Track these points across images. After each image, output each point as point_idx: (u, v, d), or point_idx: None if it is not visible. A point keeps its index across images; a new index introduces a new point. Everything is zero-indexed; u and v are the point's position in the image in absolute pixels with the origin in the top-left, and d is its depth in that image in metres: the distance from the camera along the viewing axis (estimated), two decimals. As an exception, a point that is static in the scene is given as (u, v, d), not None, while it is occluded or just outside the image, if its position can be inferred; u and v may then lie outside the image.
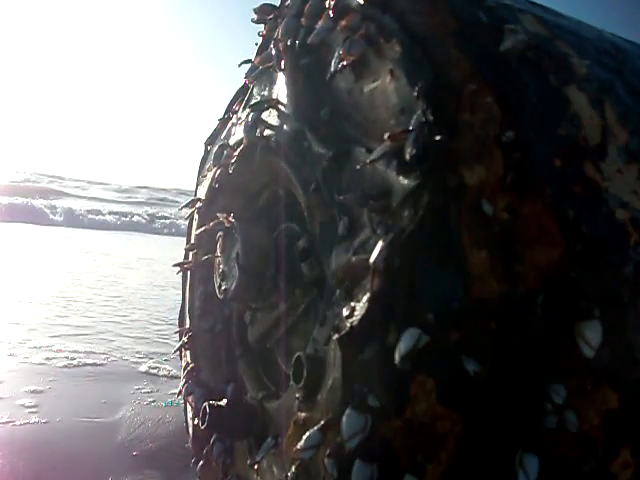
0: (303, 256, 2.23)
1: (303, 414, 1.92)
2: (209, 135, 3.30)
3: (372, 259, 1.60)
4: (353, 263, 1.76)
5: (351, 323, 1.69)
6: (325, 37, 2.05)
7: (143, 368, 5.03)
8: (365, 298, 1.66)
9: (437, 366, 1.55)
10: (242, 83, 2.95)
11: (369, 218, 1.75)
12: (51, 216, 20.79)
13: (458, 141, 1.58)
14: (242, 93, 2.95)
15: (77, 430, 3.70)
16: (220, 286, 2.51)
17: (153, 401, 4.27)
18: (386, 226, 1.68)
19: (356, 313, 1.68)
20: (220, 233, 2.54)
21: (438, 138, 1.56)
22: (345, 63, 1.91)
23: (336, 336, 1.74)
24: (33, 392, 4.10)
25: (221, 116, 3.18)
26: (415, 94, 1.65)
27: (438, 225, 1.57)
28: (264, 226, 2.50)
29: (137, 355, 5.35)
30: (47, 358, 4.93)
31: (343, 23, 1.90)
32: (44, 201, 23.23)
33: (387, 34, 1.82)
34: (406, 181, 1.62)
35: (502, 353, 1.52)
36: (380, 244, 1.60)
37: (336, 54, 1.98)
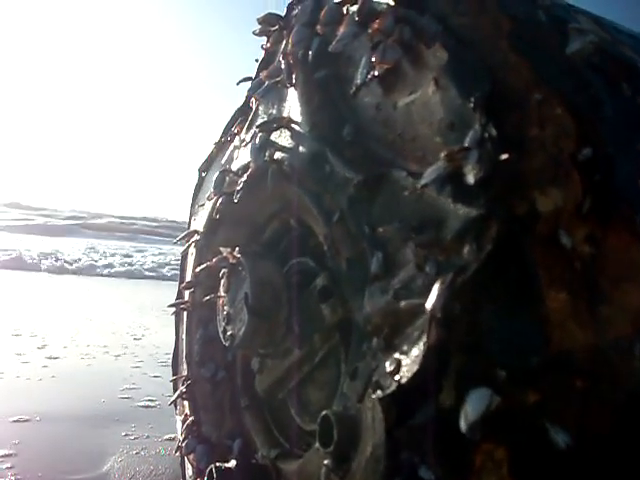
0: (323, 296, 1.95)
1: (334, 485, 1.64)
2: (203, 161, 3.02)
3: (429, 305, 1.32)
4: (395, 308, 1.48)
5: (399, 381, 1.40)
6: (348, 44, 1.78)
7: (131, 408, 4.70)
8: (416, 351, 1.38)
9: (511, 433, 1.27)
10: (242, 102, 2.69)
11: (414, 253, 1.47)
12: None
13: (527, 160, 1.32)
14: (242, 113, 2.68)
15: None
16: (225, 331, 2.22)
17: (144, 448, 3.93)
18: (437, 264, 1.40)
19: (404, 369, 1.40)
20: (224, 270, 2.25)
21: (505, 157, 1.29)
22: (377, 73, 1.64)
23: (378, 395, 1.46)
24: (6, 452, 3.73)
25: (217, 139, 2.90)
26: (471, 105, 1.38)
27: (508, 262, 1.29)
28: (274, 261, 2.21)
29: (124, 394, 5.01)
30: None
31: (375, 26, 1.63)
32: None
33: (428, 38, 1.55)
34: (465, 209, 1.35)
35: (593, 417, 1.25)
36: (437, 286, 1.32)
37: (362, 64, 1.72)
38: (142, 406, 4.71)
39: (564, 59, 1.44)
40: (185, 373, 2.74)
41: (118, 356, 6.37)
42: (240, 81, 2.74)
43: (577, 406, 1.25)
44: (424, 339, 1.34)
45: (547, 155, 1.32)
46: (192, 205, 3.07)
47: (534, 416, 1.25)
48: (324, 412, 1.69)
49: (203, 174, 3.04)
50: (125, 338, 7.45)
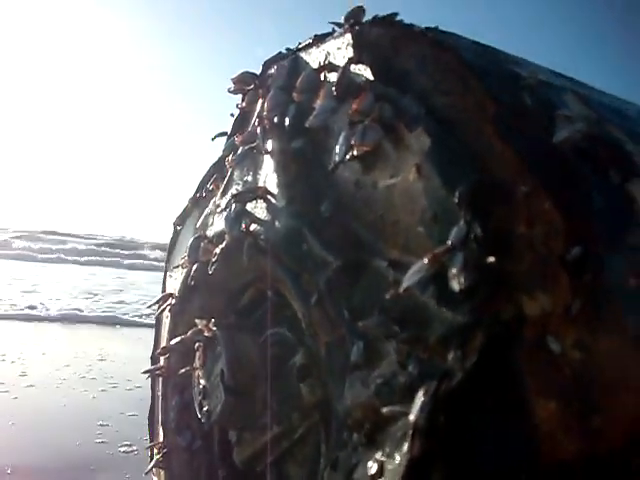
0: (302, 375, 1.88)
1: None
2: (178, 215, 2.95)
3: (412, 416, 1.25)
4: (375, 406, 1.41)
5: (382, 489, 1.33)
6: (327, 119, 1.71)
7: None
8: (399, 457, 1.31)
9: None
10: (217, 159, 2.63)
11: (396, 350, 1.41)
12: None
13: (514, 262, 1.25)
14: (217, 169, 2.61)
15: None
16: (201, 405, 2.14)
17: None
18: (420, 362, 1.34)
19: (388, 475, 1.33)
20: (199, 344, 2.17)
21: (492, 260, 1.23)
22: (356, 153, 1.58)
23: None
24: None
25: (192, 195, 2.83)
26: (455, 200, 1.32)
27: (495, 372, 1.23)
28: (250, 334, 2.14)
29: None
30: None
31: (354, 107, 1.56)
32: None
33: (410, 120, 1.49)
34: (450, 315, 1.28)
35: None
36: (421, 397, 1.25)
37: (340, 140, 1.65)
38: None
39: (551, 147, 1.39)
40: (161, 440, 2.65)
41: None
42: (215, 136, 2.68)
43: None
44: (407, 447, 1.28)
45: (535, 256, 1.25)
46: (167, 260, 2.99)
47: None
48: None
49: (178, 228, 2.97)
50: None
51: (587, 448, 1.20)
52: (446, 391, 1.23)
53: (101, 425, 5.12)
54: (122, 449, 4.62)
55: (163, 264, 3.02)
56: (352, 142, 1.57)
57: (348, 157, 1.61)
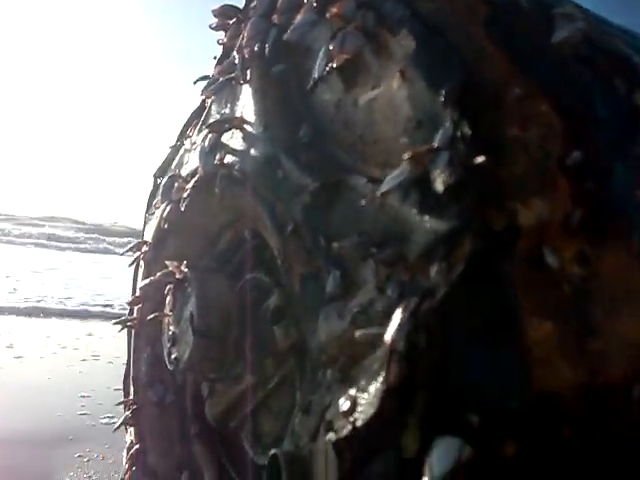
0: (276, 318, 1.74)
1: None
2: (159, 166, 2.79)
3: (388, 336, 1.11)
4: (352, 336, 1.27)
5: (353, 423, 1.19)
6: (305, 33, 1.58)
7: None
8: (373, 389, 1.16)
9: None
10: (198, 103, 2.48)
11: (374, 272, 1.26)
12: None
13: (506, 166, 1.11)
14: (198, 115, 2.46)
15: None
16: (170, 353, 1.99)
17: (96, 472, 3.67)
18: (400, 285, 1.19)
19: (360, 409, 1.19)
20: (169, 286, 2.02)
21: (481, 160, 1.08)
22: (335, 65, 1.43)
23: (331, 438, 1.24)
24: None
25: (173, 143, 2.68)
26: (441, 99, 1.17)
27: (483, 286, 1.08)
28: (225, 277, 1.99)
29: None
30: None
31: (334, 11, 1.42)
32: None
33: (393, 24, 1.35)
34: (433, 222, 1.14)
35: (582, 474, 1.04)
36: (399, 314, 1.11)
37: (321, 55, 1.51)
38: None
39: (549, 49, 1.24)
40: (132, 396, 2.50)
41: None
42: (197, 80, 2.52)
43: (563, 460, 1.05)
44: (382, 375, 1.14)
45: (530, 159, 1.11)
46: (146, 211, 2.84)
47: (512, 472, 1.04)
48: (272, 451, 1.47)
49: (158, 180, 2.81)
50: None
51: (585, 374, 1.06)
52: (428, 308, 1.09)
53: (83, 397, 4.96)
54: (103, 420, 4.46)
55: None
56: (331, 51, 1.43)
57: (328, 69, 1.46)
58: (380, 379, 1.14)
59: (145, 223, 2.75)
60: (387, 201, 1.26)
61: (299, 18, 1.59)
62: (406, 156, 1.16)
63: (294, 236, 1.56)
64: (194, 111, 2.53)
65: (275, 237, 1.66)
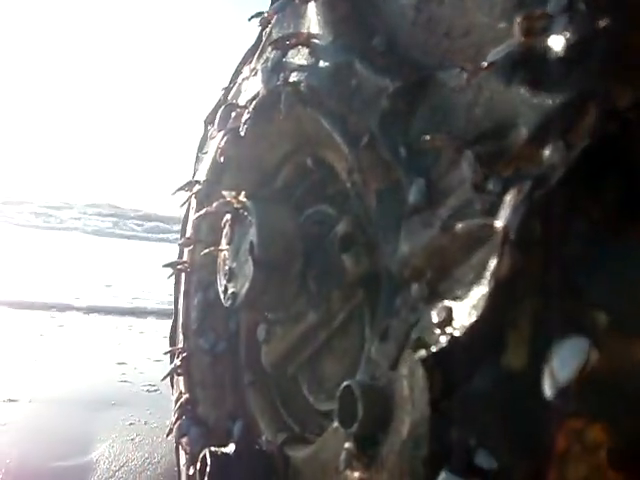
0: (345, 245, 1.59)
1: (357, 475, 1.27)
2: (210, 111, 2.65)
3: (499, 222, 0.96)
4: (442, 243, 1.12)
5: (451, 333, 1.04)
6: None
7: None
8: (475, 294, 1.01)
9: (614, 404, 0.90)
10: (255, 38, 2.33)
11: (472, 168, 1.11)
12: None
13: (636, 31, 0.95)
14: (253, 53, 2.31)
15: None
16: (226, 289, 1.85)
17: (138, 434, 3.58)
18: (504, 181, 1.04)
19: (459, 317, 1.03)
20: (227, 218, 1.88)
21: (606, 23, 0.93)
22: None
23: (421, 355, 1.09)
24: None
25: (226, 85, 2.53)
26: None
27: (608, 162, 0.93)
28: (287, 207, 1.85)
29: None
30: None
31: None
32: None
33: None
34: (548, 99, 0.98)
35: None
36: (511, 199, 0.96)
37: None
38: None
39: None
40: (181, 345, 2.36)
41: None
42: (252, 17, 2.37)
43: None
44: (489, 273, 0.98)
45: None
46: (196, 160, 2.71)
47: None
48: (346, 382, 1.32)
49: (209, 126, 2.68)
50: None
51: None
52: (545, 192, 0.94)
53: (121, 364, 4.94)
54: (145, 388, 4.39)
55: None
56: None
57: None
58: (483, 283, 1.00)
59: (196, 164, 2.62)
60: (485, 90, 1.11)
61: None
62: (515, 23, 1.00)
63: (369, 148, 1.42)
64: (249, 49, 2.39)
65: (347, 152, 1.51)
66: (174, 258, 2.46)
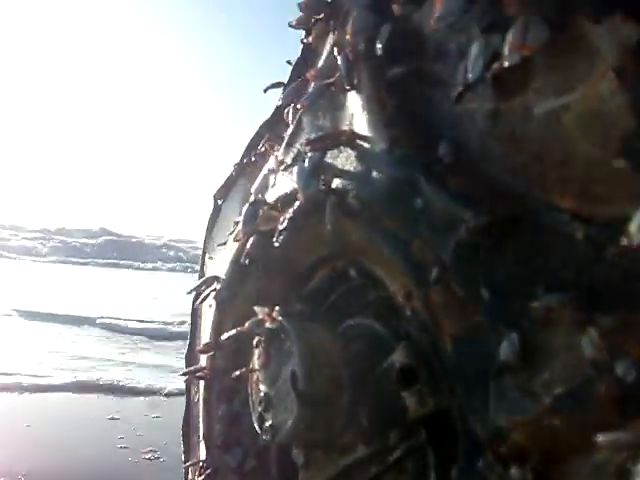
0: (405, 380, 1.39)
1: None
2: (220, 186, 2.48)
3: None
4: (552, 424, 0.95)
5: None
6: (455, 23, 1.24)
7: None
8: None
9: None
10: (270, 114, 2.15)
11: (591, 342, 0.93)
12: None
13: None
14: (269, 128, 2.14)
15: None
16: (261, 418, 1.64)
17: None
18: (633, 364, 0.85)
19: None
20: (259, 338, 1.67)
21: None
22: (509, 64, 1.09)
23: None
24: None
25: (238, 160, 2.36)
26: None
27: None
28: (329, 327, 1.65)
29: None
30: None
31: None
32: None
33: (595, 7, 1.01)
34: None
35: None
36: None
37: (475, 52, 1.17)
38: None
39: None
40: (203, 457, 2.13)
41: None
42: (268, 88, 2.19)
43: None
44: None
45: None
46: (206, 239, 2.52)
47: None
48: None
49: (219, 201, 2.49)
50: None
51: None
52: None
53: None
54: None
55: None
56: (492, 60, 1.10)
57: (490, 72, 1.13)
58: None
59: (205, 251, 2.45)
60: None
61: (442, 4, 1.25)
62: None
63: (441, 283, 1.22)
64: (265, 122, 2.22)
65: (409, 282, 1.32)
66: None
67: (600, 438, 0.89)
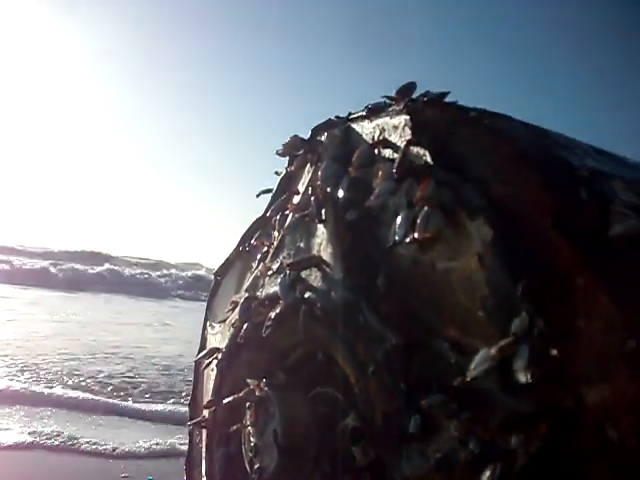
0: (354, 438, 1.97)
1: None
2: (220, 265, 3.08)
3: None
4: (436, 477, 1.51)
5: None
6: (387, 199, 1.81)
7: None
8: None
9: None
10: (261, 214, 2.74)
11: (456, 427, 1.50)
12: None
13: (576, 355, 1.35)
14: (260, 226, 2.73)
15: None
16: (252, 462, 2.23)
17: None
18: (482, 443, 1.43)
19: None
20: (250, 403, 2.27)
21: (555, 353, 1.33)
22: (416, 237, 1.67)
23: None
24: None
25: (235, 247, 2.95)
26: (519, 291, 1.41)
27: (555, 459, 1.32)
28: (303, 395, 2.23)
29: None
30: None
31: (419, 194, 1.65)
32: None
33: (470, 209, 1.58)
34: (512, 401, 1.38)
35: None
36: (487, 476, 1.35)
37: (400, 221, 1.73)
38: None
39: (606, 241, 1.47)
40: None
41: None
42: (260, 193, 2.78)
43: None
44: None
45: (594, 349, 1.35)
46: (208, 307, 3.11)
47: None
48: None
49: (219, 278, 3.08)
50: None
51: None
52: (511, 473, 1.33)
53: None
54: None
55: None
56: (412, 226, 1.66)
57: (408, 240, 1.69)
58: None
59: (206, 320, 3.02)
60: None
61: (380, 185, 1.81)
62: (492, 349, 1.40)
63: (375, 377, 1.80)
64: (257, 220, 2.79)
65: (354, 372, 1.89)
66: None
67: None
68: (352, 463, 1.99)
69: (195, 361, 3.05)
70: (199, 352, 3.02)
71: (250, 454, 2.25)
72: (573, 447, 1.32)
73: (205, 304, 3.18)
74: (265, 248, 2.57)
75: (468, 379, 1.45)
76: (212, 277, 3.21)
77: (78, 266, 27.56)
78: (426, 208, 1.64)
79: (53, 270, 26.16)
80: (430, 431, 1.59)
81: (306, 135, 2.37)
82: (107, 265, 29.85)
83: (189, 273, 32.41)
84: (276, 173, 2.69)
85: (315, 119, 2.36)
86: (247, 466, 2.29)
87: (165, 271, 32.21)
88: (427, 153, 1.73)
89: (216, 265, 3.16)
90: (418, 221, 1.64)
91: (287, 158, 2.54)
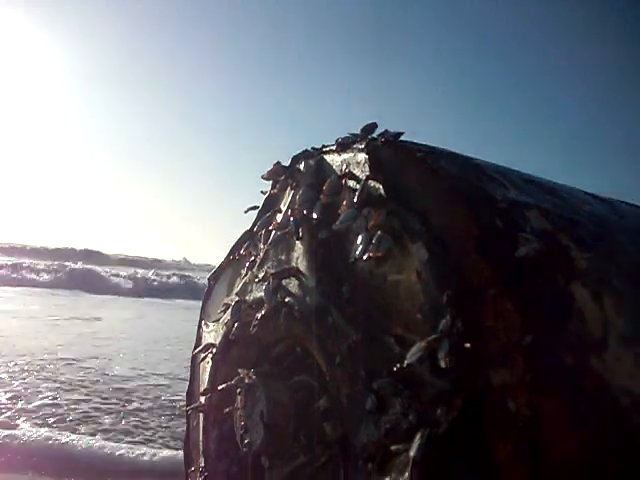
0: (326, 416, 2.41)
1: None
2: (213, 271, 3.51)
3: (412, 453, 1.79)
4: (387, 445, 1.95)
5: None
6: (350, 224, 2.24)
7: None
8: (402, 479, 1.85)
9: None
10: (249, 227, 3.16)
11: (400, 403, 1.94)
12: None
13: (484, 347, 1.79)
14: (248, 238, 3.14)
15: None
16: (242, 439, 2.67)
17: None
18: (418, 414, 1.88)
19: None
20: (240, 389, 2.71)
21: (468, 346, 1.78)
22: (372, 255, 2.10)
23: None
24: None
25: (227, 255, 3.38)
26: (444, 300, 1.86)
27: (469, 423, 1.77)
28: (283, 380, 2.68)
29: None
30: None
31: (372, 222, 2.09)
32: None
33: (412, 234, 2.02)
34: (438, 382, 1.82)
35: None
36: (418, 439, 1.80)
37: (359, 241, 2.15)
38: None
39: (514, 261, 1.91)
40: (202, 465, 3.21)
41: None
42: (248, 209, 3.22)
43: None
44: (407, 475, 1.82)
45: (499, 343, 1.79)
46: (202, 309, 3.56)
47: None
48: None
49: (212, 282, 3.54)
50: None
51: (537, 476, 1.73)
52: (436, 435, 1.78)
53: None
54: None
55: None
56: (369, 245, 2.10)
57: (365, 257, 2.13)
58: (406, 475, 1.83)
59: (201, 320, 3.48)
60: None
61: (344, 212, 2.24)
62: (423, 342, 1.85)
63: (341, 366, 2.23)
64: (246, 232, 3.21)
65: (325, 362, 2.34)
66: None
67: (392, 448, 1.93)
68: (324, 437, 2.43)
69: (192, 355, 3.51)
70: (195, 347, 3.50)
71: (240, 432, 2.69)
72: (482, 415, 1.76)
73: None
74: (252, 258, 2.99)
75: (405, 365, 1.89)
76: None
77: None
78: (379, 232, 2.07)
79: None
80: (382, 407, 2.02)
81: (287, 161, 2.79)
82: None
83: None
84: (262, 192, 3.10)
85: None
86: (238, 442, 2.73)
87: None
88: (381, 187, 2.16)
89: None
90: (373, 242, 2.07)
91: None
